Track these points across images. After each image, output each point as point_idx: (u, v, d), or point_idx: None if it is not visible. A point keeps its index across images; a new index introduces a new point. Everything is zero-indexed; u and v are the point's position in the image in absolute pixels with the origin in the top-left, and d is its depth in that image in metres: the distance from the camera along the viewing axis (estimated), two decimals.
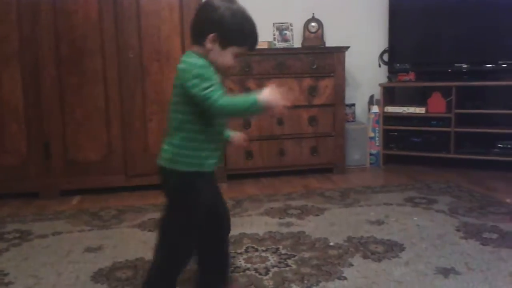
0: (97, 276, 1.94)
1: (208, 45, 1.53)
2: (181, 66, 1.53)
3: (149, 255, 2.12)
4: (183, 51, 3.13)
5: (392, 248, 2.15)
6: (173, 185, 1.58)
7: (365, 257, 2.06)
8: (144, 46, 3.09)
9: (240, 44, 1.56)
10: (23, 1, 2.96)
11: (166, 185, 1.61)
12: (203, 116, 1.52)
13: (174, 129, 1.57)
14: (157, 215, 2.68)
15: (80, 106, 3.09)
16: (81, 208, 2.89)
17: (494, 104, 3.61)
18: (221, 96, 1.45)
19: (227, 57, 1.55)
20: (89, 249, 2.23)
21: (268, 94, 1.44)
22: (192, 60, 1.52)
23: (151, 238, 2.35)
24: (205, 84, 1.45)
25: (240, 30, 1.55)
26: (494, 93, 3.71)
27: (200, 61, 1.51)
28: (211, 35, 1.52)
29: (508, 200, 2.83)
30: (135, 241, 2.32)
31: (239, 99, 1.51)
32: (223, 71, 1.58)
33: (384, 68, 4.03)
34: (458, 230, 2.35)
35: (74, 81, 3.07)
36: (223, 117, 1.58)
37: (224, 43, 1.54)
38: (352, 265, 1.98)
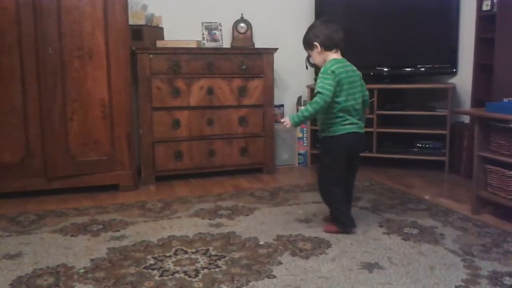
0: (16, 284, 1.83)
1: None
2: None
3: (71, 260, 2.04)
4: (107, 47, 3.02)
5: (319, 245, 2.20)
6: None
7: (293, 254, 2.09)
8: (64, 42, 2.94)
9: None
10: None
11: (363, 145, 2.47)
12: None
13: (361, 111, 2.40)
14: (79, 219, 2.57)
15: None
16: None
17: (413, 106, 3.81)
18: None
19: None
20: (7, 256, 2.10)
21: None
22: None
23: (73, 243, 2.25)
24: None
25: None
26: (413, 95, 3.92)
27: None
28: None
29: (426, 197, 2.99)
30: (56, 247, 2.20)
31: None
32: None
33: (311, 70, 4.12)
34: (380, 226, 2.45)
35: None
36: None
37: None
38: (281, 263, 2.01)
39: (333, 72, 2.27)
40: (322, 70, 2.33)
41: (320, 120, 2.40)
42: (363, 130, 2.40)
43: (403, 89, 3.85)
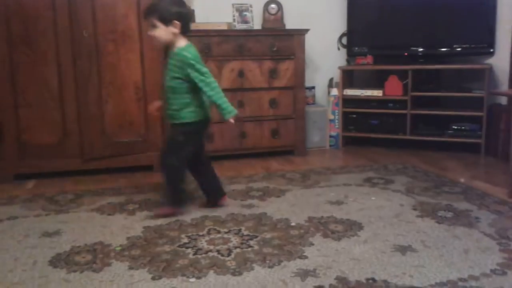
0: (55, 261, 1.89)
1: None
2: None
3: (108, 238, 2.10)
4: (140, 30, 3.05)
5: (351, 227, 2.19)
6: None
7: (325, 236, 2.09)
8: (99, 25, 2.98)
9: None
10: None
11: None
12: None
13: None
14: (115, 199, 2.64)
15: (32, 87, 2.96)
16: (37, 192, 2.80)
17: (448, 87, 3.72)
18: None
19: None
20: (46, 234, 2.17)
21: None
22: None
23: (109, 222, 2.31)
24: None
25: None
26: (448, 76, 3.83)
27: None
28: None
29: (461, 180, 2.94)
30: (93, 225, 2.27)
31: None
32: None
33: (343, 51, 4.07)
34: (414, 209, 2.42)
35: (26, 61, 2.93)
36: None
37: None
38: (313, 244, 2.01)
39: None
40: (191, 56, 2.23)
41: (175, 104, 2.28)
42: None
43: (438, 70, 3.75)
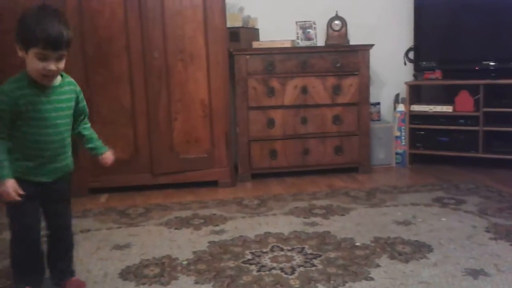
0: (125, 274, 1.97)
1: (19, 53, 1.60)
2: None
3: (175, 252, 2.16)
4: (207, 50, 3.15)
5: (420, 249, 2.12)
6: None
7: (392, 257, 2.04)
8: (168, 46, 3.11)
9: (34, 43, 1.56)
10: (48, 1, 3.00)
11: None
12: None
13: None
14: (182, 213, 2.71)
15: (106, 105, 3.13)
16: (109, 206, 2.93)
17: None
18: None
19: (33, 61, 1.58)
20: (117, 247, 2.26)
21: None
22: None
23: (177, 235, 2.38)
24: None
25: (28, 29, 1.56)
26: None
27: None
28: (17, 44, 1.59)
29: None
30: (161, 239, 2.34)
31: None
32: (39, 79, 1.62)
33: (410, 66, 3.98)
34: (487, 231, 2.30)
35: (100, 81, 3.11)
36: None
37: (24, 47, 1.58)
38: (379, 265, 1.97)
39: None
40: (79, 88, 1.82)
41: (68, 149, 1.80)
42: None
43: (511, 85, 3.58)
